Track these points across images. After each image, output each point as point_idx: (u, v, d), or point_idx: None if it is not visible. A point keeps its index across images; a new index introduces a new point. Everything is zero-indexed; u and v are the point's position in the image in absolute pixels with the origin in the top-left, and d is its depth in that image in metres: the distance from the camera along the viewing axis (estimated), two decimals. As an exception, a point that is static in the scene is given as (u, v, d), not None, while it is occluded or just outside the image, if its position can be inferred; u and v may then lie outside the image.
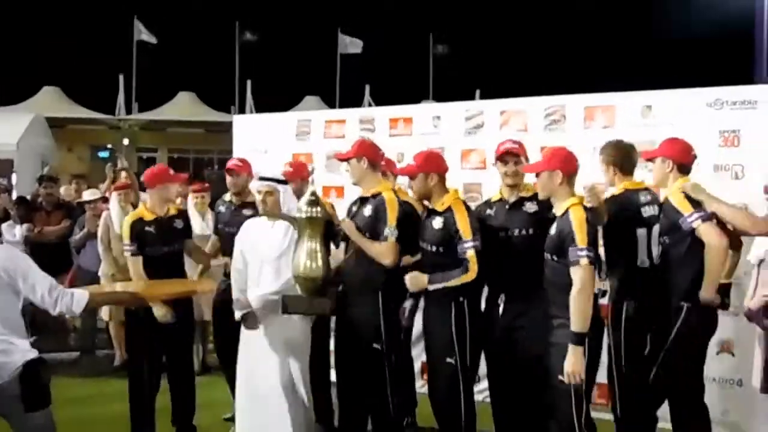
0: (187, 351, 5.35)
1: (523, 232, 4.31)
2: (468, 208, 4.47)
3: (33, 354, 3.74)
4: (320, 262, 4.39)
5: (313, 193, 4.47)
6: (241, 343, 4.84)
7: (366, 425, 4.74)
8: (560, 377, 3.84)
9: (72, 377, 6.83)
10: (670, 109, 5.34)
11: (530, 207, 4.34)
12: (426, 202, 4.54)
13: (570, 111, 5.70)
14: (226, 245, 5.28)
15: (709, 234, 4.00)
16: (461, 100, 6.53)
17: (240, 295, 4.72)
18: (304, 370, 4.74)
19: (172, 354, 5.18)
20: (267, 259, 4.66)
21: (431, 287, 4.29)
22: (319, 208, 4.42)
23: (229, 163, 5.52)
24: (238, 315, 4.72)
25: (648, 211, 4.32)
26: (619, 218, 4.26)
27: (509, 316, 4.34)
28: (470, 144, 6.05)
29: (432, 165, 4.46)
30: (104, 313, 7.22)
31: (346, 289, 4.61)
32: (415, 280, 4.32)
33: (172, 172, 5.34)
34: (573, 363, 3.79)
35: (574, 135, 5.56)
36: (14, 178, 16.71)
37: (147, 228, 5.08)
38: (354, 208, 4.68)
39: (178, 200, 6.18)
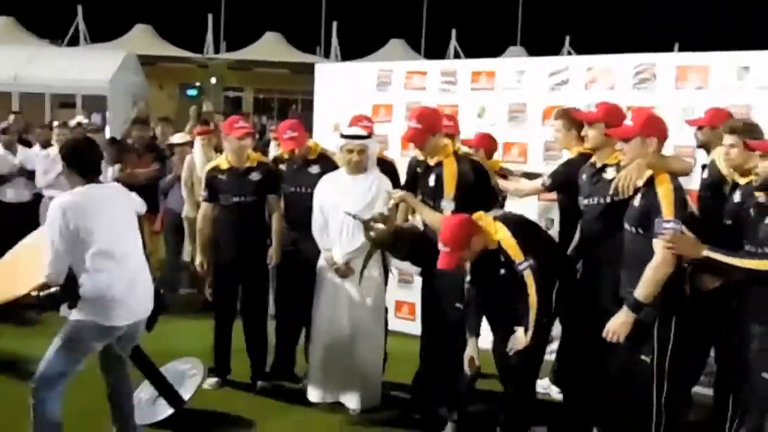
0: (262, 295, 5.42)
1: (603, 200, 4.13)
2: None
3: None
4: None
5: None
6: (317, 292, 5.00)
7: (445, 378, 4.80)
8: (643, 357, 3.70)
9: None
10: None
11: (611, 173, 4.12)
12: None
13: (660, 70, 5.43)
14: (290, 202, 5.25)
15: None
16: (549, 46, 6.33)
17: (326, 252, 4.89)
18: (379, 314, 4.96)
19: (247, 297, 5.35)
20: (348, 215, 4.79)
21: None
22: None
23: (292, 142, 5.14)
24: (324, 264, 4.92)
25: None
26: None
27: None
28: (554, 100, 5.84)
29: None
30: (186, 253, 7.47)
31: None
32: None
33: (240, 123, 5.21)
34: (619, 323, 3.65)
35: (664, 95, 5.34)
36: (108, 115, 17.25)
37: (220, 176, 5.22)
38: (419, 170, 4.74)
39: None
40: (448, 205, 4.49)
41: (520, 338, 4.09)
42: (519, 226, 4.18)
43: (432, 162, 4.64)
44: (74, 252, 3.74)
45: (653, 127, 3.80)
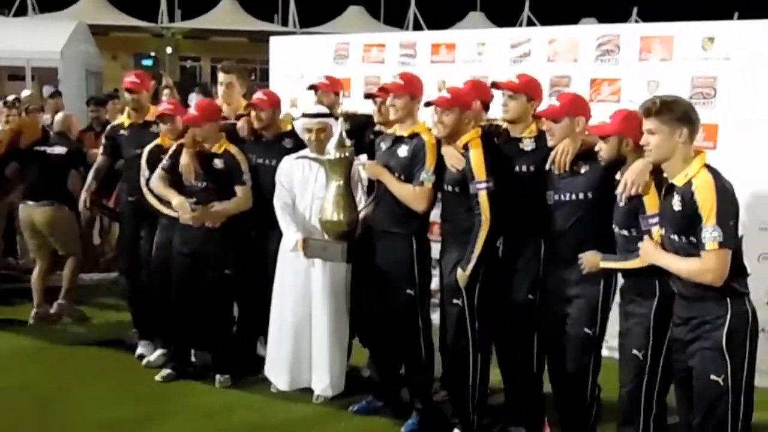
0: (222, 282, 5.11)
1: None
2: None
3: None
4: (346, 209, 4.35)
5: (342, 134, 4.37)
6: (279, 277, 4.83)
7: (399, 371, 4.66)
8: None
9: (110, 299, 6.90)
10: (734, 42, 4.92)
11: (528, 144, 4.00)
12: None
13: (625, 41, 5.29)
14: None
15: None
16: (510, 12, 6.18)
17: (295, 234, 4.64)
18: (342, 298, 4.78)
19: (207, 285, 5.07)
20: (317, 197, 4.64)
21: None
22: (346, 152, 4.34)
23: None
24: (286, 248, 4.69)
25: None
26: None
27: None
28: (515, 73, 5.70)
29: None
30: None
31: (374, 234, 4.41)
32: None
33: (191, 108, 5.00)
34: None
35: (628, 67, 5.24)
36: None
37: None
38: (383, 146, 4.42)
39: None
40: (428, 177, 4.16)
41: (461, 277, 4.02)
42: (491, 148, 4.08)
43: (404, 133, 4.29)
44: None
45: (579, 107, 3.75)
